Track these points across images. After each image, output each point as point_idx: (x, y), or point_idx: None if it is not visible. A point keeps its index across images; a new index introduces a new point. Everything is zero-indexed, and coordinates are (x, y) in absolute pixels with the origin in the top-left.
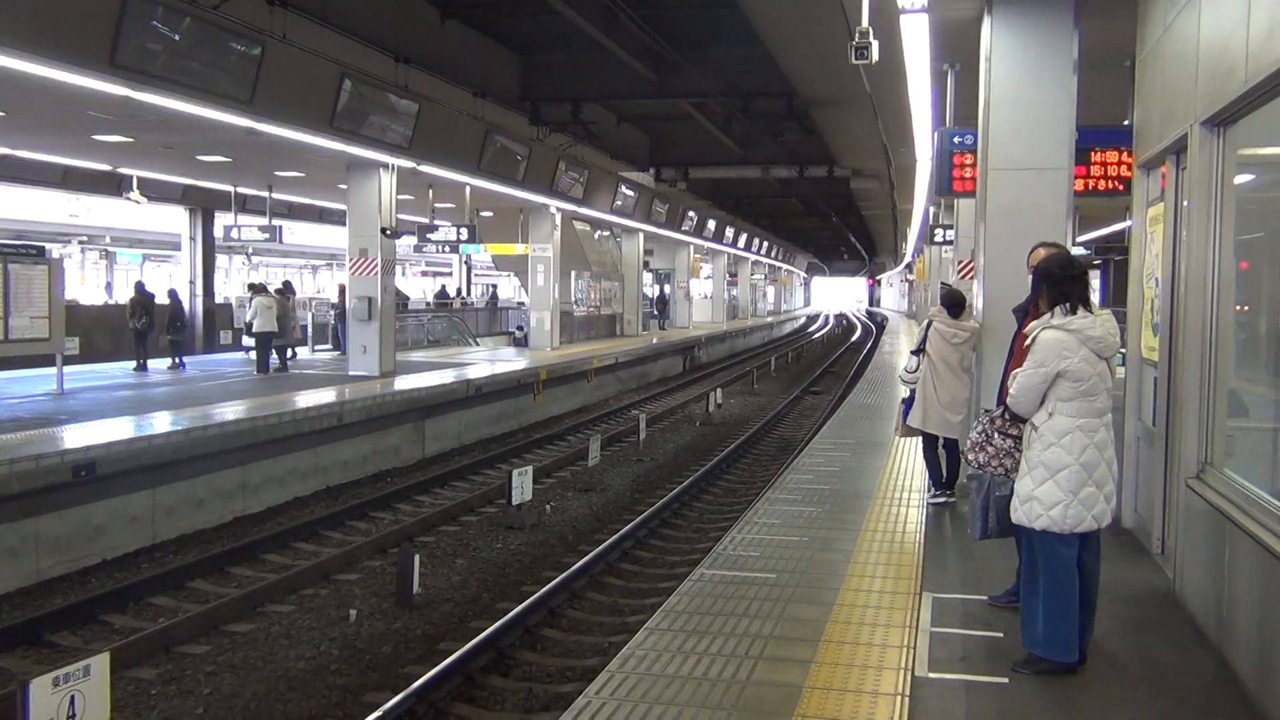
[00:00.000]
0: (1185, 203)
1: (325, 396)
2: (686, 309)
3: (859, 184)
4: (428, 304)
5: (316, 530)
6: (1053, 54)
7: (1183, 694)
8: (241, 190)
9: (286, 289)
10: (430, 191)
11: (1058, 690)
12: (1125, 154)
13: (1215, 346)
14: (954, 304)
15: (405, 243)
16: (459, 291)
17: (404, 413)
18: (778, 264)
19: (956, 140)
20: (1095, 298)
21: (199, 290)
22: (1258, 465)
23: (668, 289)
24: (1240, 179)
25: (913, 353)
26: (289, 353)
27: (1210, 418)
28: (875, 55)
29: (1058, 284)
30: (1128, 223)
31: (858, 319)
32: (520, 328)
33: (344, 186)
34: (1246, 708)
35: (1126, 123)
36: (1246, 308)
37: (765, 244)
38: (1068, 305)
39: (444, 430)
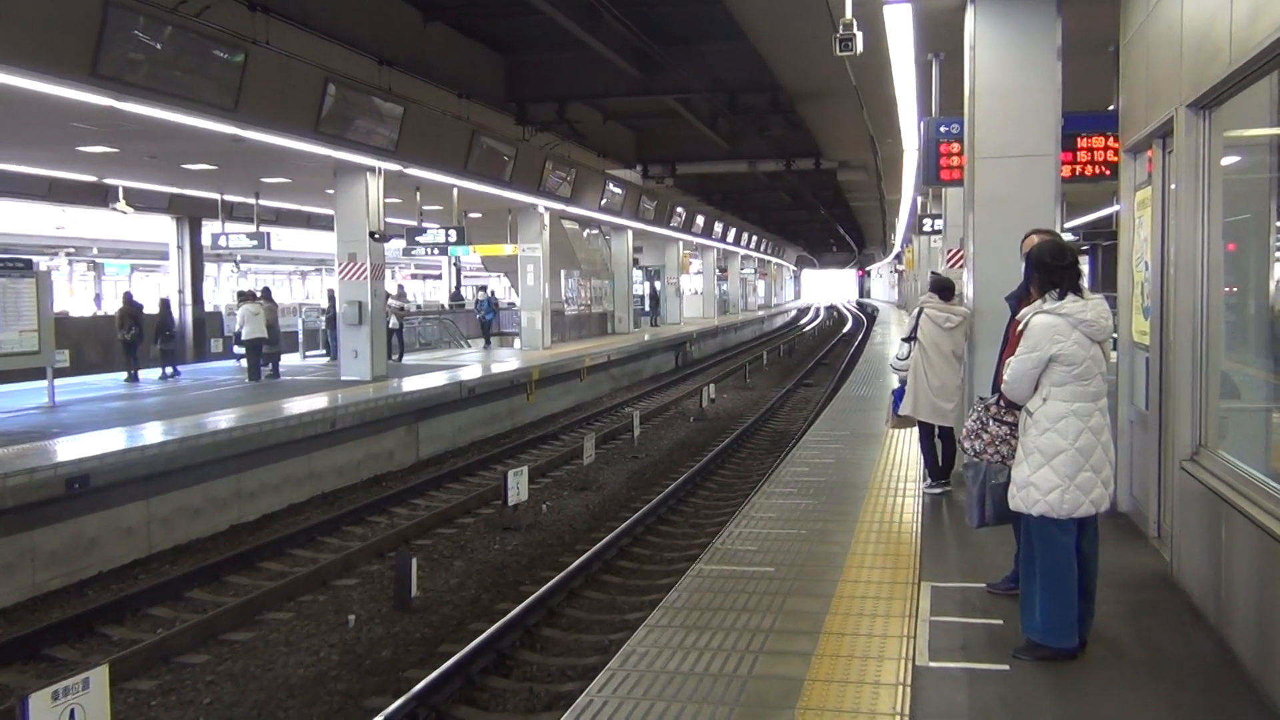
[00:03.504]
0: (1173, 186)
1: (318, 402)
2: (677, 305)
3: (846, 175)
4: (418, 305)
5: (313, 536)
6: (1036, 41)
7: (1183, 676)
8: (228, 198)
9: (265, 295)
10: (418, 194)
11: (1059, 676)
12: (1111, 139)
13: (1206, 329)
14: (944, 289)
15: (394, 245)
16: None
17: (397, 416)
18: (767, 258)
19: (943, 129)
20: (1085, 283)
21: (188, 299)
22: (1251, 446)
23: (658, 285)
24: (1227, 160)
25: (904, 339)
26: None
27: (1203, 400)
28: (859, 47)
29: (1050, 272)
30: (1115, 207)
31: (849, 311)
32: (484, 317)
33: (331, 191)
34: (1247, 688)
35: (1111, 108)
36: (1236, 289)
37: (754, 238)
38: (1058, 291)
39: (438, 433)
